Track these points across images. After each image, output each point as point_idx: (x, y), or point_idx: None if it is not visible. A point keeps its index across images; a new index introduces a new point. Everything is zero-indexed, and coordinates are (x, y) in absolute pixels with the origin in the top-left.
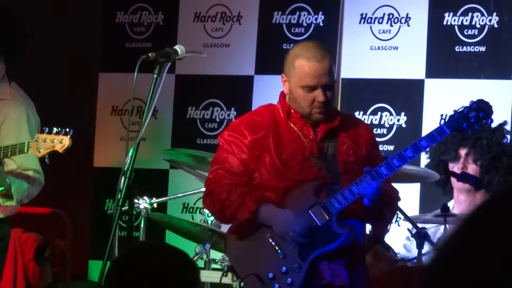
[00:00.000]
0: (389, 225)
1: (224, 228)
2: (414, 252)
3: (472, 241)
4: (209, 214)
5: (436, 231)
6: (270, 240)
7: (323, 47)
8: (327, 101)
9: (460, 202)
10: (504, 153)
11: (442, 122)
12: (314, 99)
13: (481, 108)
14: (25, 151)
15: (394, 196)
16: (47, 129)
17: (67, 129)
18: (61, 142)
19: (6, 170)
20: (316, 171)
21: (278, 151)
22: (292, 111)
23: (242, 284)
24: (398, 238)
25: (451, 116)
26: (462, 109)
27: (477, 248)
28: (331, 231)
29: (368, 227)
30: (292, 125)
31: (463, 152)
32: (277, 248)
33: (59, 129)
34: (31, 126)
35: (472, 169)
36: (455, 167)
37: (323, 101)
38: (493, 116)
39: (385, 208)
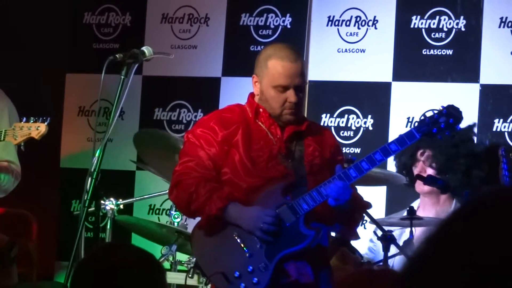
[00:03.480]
0: (356, 229)
1: (191, 230)
2: (379, 255)
3: (449, 245)
4: (176, 216)
5: (401, 233)
6: (237, 239)
7: (295, 49)
8: (298, 102)
9: (425, 205)
10: (460, 154)
11: (412, 126)
12: (286, 100)
13: (451, 114)
14: (1, 139)
15: (364, 203)
16: (24, 118)
17: (44, 118)
18: (38, 129)
19: None
20: (283, 169)
21: (246, 148)
22: (261, 110)
23: (207, 283)
24: (364, 241)
25: (421, 121)
26: (432, 114)
27: (453, 252)
28: (298, 232)
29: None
30: (260, 124)
31: (419, 153)
32: (243, 247)
33: (36, 118)
34: (11, 118)
35: (430, 171)
36: (415, 170)
37: (295, 102)
38: None
39: (356, 213)
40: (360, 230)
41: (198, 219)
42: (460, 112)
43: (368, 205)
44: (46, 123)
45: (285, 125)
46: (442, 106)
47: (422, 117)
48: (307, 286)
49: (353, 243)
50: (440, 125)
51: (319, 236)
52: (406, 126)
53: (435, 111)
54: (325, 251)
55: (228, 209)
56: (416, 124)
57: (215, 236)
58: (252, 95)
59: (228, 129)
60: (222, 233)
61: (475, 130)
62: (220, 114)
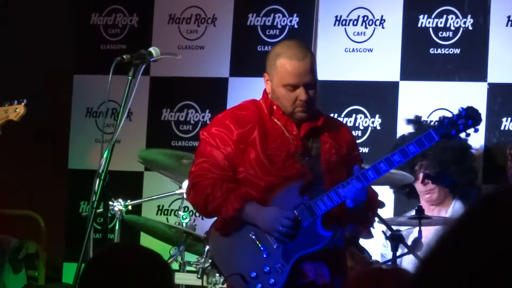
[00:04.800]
0: (371, 228)
1: (199, 230)
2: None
3: (459, 247)
4: (184, 217)
5: (408, 233)
6: (254, 239)
7: (304, 46)
8: (309, 100)
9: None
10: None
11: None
12: (296, 98)
13: (471, 115)
14: None
15: (378, 202)
16: None
17: (20, 99)
18: (16, 111)
19: None
20: (300, 168)
21: (263, 146)
22: (275, 107)
23: (224, 282)
24: (373, 241)
25: (440, 122)
26: (451, 115)
27: (463, 254)
28: (315, 233)
29: None
30: (276, 121)
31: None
32: (261, 247)
33: (11, 101)
34: None
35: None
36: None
37: (306, 100)
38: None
39: (370, 212)
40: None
41: (208, 220)
42: (479, 114)
43: (382, 204)
44: (23, 104)
45: (300, 122)
46: (461, 108)
47: (441, 118)
48: (324, 287)
49: (365, 244)
50: (459, 127)
51: (336, 237)
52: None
53: (454, 113)
54: (342, 254)
55: (245, 209)
56: (436, 125)
57: (232, 236)
58: (266, 91)
59: (244, 127)
60: (239, 233)
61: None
62: (235, 112)
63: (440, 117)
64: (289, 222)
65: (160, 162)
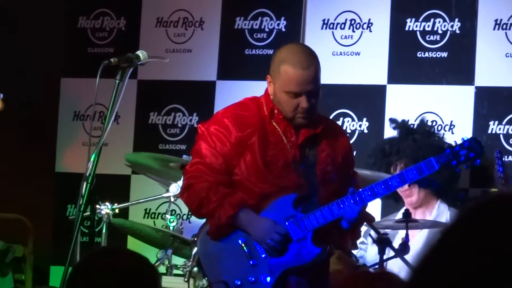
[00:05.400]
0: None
1: (186, 234)
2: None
3: (455, 252)
4: (171, 220)
5: (395, 235)
6: (243, 247)
7: (310, 52)
8: (310, 107)
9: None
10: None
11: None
12: (298, 105)
13: (472, 148)
14: None
15: (369, 217)
16: None
17: None
18: None
19: None
20: (296, 178)
21: (262, 152)
22: (276, 111)
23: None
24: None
25: (442, 152)
26: (454, 145)
27: (459, 258)
28: (304, 248)
29: None
30: (276, 125)
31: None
32: (248, 256)
33: None
34: None
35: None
36: None
37: (307, 108)
38: (456, 122)
39: (360, 227)
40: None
41: (195, 223)
42: (482, 147)
43: (372, 219)
44: (0, 98)
45: (299, 128)
46: (464, 139)
47: (444, 148)
48: None
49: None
50: (460, 158)
51: (325, 253)
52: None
53: (458, 144)
54: (326, 264)
55: (238, 216)
56: (438, 154)
57: (222, 241)
58: (268, 91)
59: (243, 131)
60: (229, 239)
61: (428, 123)
62: (236, 112)
63: (445, 145)
64: (279, 237)
65: (148, 166)
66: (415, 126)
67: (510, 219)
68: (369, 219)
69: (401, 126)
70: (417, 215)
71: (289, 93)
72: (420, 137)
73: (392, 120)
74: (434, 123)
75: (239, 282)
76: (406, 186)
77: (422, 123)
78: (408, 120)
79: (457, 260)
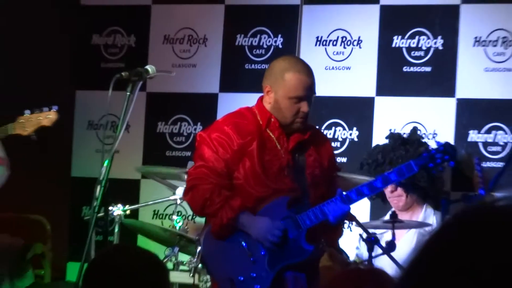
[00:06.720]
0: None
1: (191, 233)
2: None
3: (443, 257)
4: (177, 221)
5: (382, 235)
6: (244, 246)
7: (307, 63)
8: (308, 112)
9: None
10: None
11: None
12: (299, 110)
13: (447, 151)
14: (9, 132)
15: (351, 216)
16: (28, 111)
17: (50, 106)
18: (48, 117)
19: None
20: (289, 182)
21: (260, 158)
22: (272, 119)
23: (208, 284)
24: (351, 243)
25: (420, 155)
26: (430, 149)
27: (447, 264)
28: (299, 246)
29: None
30: (270, 133)
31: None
32: (249, 254)
33: (41, 108)
34: None
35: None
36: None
37: (307, 112)
38: (438, 131)
39: (342, 225)
40: (347, 232)
41: (199, 223)
42: (456, 151)
43: (354, 218)
44: (54, 110)
45: (291, 134)
46: (439, 143)
47: (421, 152)
48: None
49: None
50: (436, 160)
51: (317, 251)
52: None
53: (433, 148)
54: (317, 261)
55: (239, 218)
56: (416, 158)
57: (225, 240)
58: (261, 99)
59: (244, 138)
60: (231, 239)
61: (418, 133)
62: (235, 120)
63: (421, 150)
64: (279, 232)
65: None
66: (407, 136)
67: (490, 236)
68: (352, 218)
69: (396, 137)
70: (405, 218)
71: (293, 98)
72: (411, 148)
73: (390, 134)
74: (419, 132)
75: (242, 278)
76: (395, 193)
77: (414, 133)
78: (402, 133)
79: (433, 278)
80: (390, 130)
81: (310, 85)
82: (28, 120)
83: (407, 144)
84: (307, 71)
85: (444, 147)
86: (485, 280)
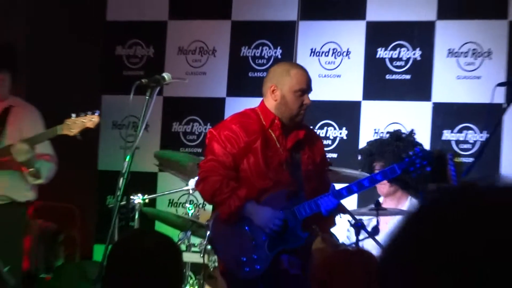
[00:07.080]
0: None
1: (202, 219)
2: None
3: (416, 242)
4: (190, 209)
5: (369, 221)
6: (248, 231)
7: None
8: (310, 105)
9: (386, 200)
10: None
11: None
12: (302, 102)
13: (425, 157)
14: (57, 132)
15: (342, 208)
16: (74, 114)
17: (93, 111)
18: (92, 120)
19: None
20: (287, 176)
21: (264, 154)
22: (276, 121)
23: (216, 263)
24: (340, 228)
25: (402, 160)
26: (410, 154)
27: (420, 249)
28: (295, 233)
29: None
30: (271, 132)
31: (376, 165)
32: (252, 238)
33: (86, 112)
34: (40, 120)
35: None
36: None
37: (309, 104)
38: (416, 130)
39: (335, 216)
40: (337, 219)
41: (208, 211)
42: (432, 157)
43: (345, 210)
44: (97, 114)
45: (288, 134)
46: (418, 149)
47: (404, 156)
48: (296, 276)
49: (333, 230)
50: (416, 165)
51: (311, 238)
52: (373, 136)
53: (413, 153)
54: (310, 245)
55: (245, 207)
56: (399, 162)
57: (231, 226)
58: (264, 103)
59: (250, 137)
60: (237, 225)
61: (415, 136)
62: (241, 120)
63: (403, 155)
64: (280, 221)
65: (171, 159)
66: (404, 136)
67: (478, 215)
68: (343, 210)
69: (393, 135)
70: (391, 206)
71: (298, 91)
72: (402, 145)
73: (393, 132)
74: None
75: (245, 259)
76: (392, 193)
77: (410, 135)
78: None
79: (420, 248)
80: (375, 129)
81: (310, 81)
82: (74, 122)
83: (400, 142)
84: (306, 70)
85: (423, 153)
86: (477, 257)
